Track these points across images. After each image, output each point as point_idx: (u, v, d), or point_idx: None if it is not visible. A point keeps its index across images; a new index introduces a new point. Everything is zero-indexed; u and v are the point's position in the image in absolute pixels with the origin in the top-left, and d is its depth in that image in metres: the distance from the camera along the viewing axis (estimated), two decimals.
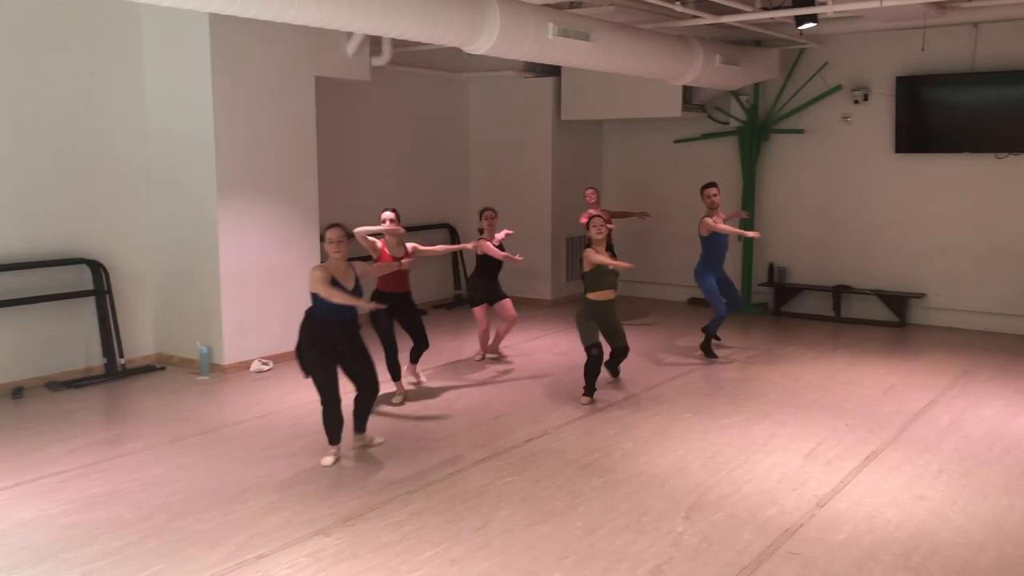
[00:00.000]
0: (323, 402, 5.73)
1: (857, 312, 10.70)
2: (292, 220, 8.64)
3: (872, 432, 6.39)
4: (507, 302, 8.40)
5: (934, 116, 10.05)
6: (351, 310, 5.69)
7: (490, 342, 8.64)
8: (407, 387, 7.49)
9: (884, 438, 6.26)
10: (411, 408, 7.02)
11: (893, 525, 4.82)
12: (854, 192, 10.69)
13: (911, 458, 5.86)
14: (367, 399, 5.93)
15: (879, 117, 10.39)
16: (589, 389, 7.16)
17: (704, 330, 8.73)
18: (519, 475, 5.57)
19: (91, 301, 8.00)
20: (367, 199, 10.47)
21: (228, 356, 8.19)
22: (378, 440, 6.12)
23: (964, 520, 4.89)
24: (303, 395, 7.47)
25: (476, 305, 8.40)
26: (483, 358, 8.64)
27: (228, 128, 8.02)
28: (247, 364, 8.29)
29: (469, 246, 8.09)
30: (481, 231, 8.27)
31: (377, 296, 7.05)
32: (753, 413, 6.86)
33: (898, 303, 10.36)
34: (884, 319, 10.47)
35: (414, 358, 7.61)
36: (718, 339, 8.98)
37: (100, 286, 7.99)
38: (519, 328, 9.98)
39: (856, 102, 10.45)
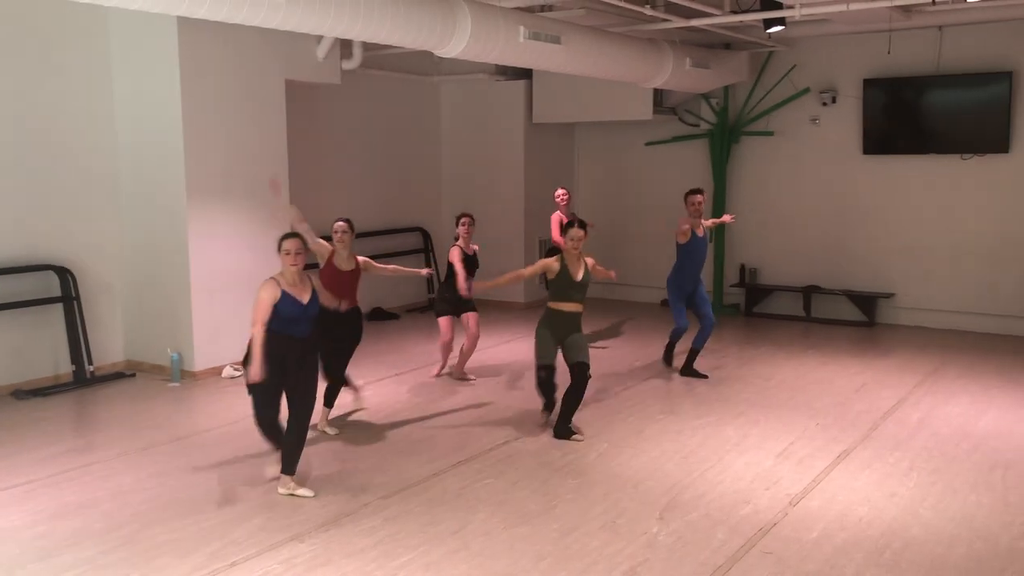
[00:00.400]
0: (255, 416, 5.37)
1: (827, 312, 10.81)
2: (262, 224, 8.57)
3: (843, 431, 6.46)
4: (473, 316, 7.81)
5: (901, 118, 10.19)
6: (308, 326, 5.24)
7: (455, 362, 8.08)
8: (328, 429, 6.51)
9: (855, 436, 6.33)
10: (386, 413, 6.99)
11: (865, 522, 4.87)
12: (823, 193, 10.81)
13: (882, 456, 5.93)
14: (299, 431, 5.24)
15: (847, 119, 10.51)
16: (548, 403, 6.56)
17: (668, 345, 8.27)
18: (495, 478, 5.57)
19: (59, 308, 7.89)
20: (339, 203, 10.40)
21: (199, 362, 8.11)
22: (304, 492, 5.27)
23: (934, 516, 4.95)
24: None
25: (440, 316, 7.85)
26: (439, 374, 8.10)
27: (198, 132, 7.95)
28: (219, 370, 8.22)
29: (423, 272, 7.37)
30: (456, 238, 7.79)
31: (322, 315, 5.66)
32: (726, 413, 6.90)
33: (867, 303, 10.48)
34: (854, 319, 10.58)
35: (328, 401, 6.52)
36: (668, 363, 8.30)
37: (68, 292, 7.88)
38: (494, 331, 9.99)
39: (824, 104, 10.57)
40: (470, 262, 7.74)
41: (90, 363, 7.98)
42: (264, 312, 5.10)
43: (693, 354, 8.04)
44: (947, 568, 4.34)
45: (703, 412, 6.95)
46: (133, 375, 8.23)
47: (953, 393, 7.46)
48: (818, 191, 10.83)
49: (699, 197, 7.89)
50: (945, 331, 10.03)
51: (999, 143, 9.63)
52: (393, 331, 10.24)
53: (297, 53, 8.75)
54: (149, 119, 8.07)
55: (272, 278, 5.22)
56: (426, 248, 11.73)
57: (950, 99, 9.89)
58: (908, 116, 10.14)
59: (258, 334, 5.06)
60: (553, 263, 6.35)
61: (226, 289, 8.27)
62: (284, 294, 5.14)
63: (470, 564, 4.40)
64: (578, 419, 6.78)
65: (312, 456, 5.98)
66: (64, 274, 7.86)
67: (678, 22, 8.69)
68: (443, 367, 8.19)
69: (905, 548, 4.55)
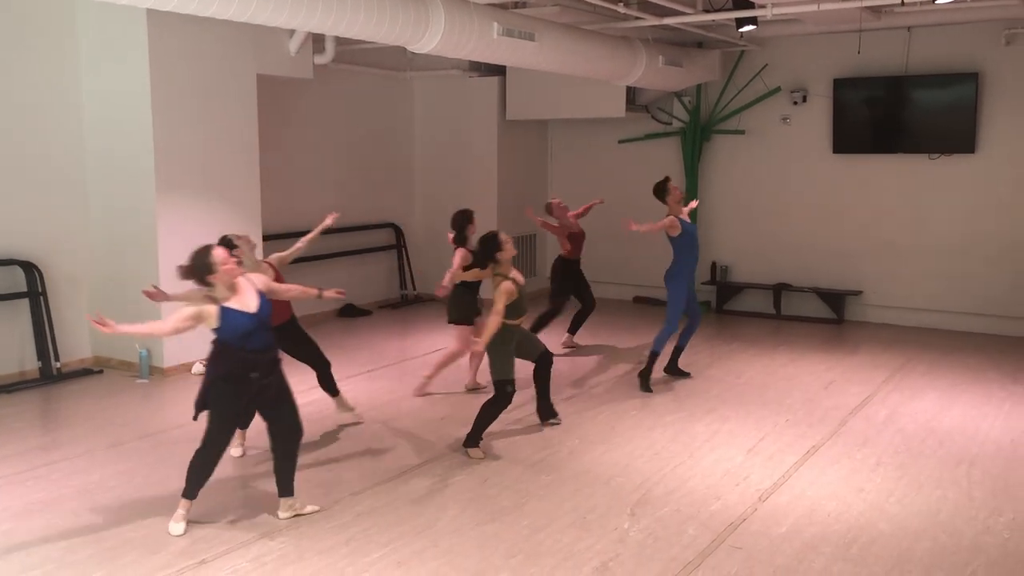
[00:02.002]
0: (207, 444, 4.72)
1: (797, 309, 10.91)
2: (234, 221, 8.49)
3: (812, 427, 6.53)
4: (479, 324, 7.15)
5: (870, 117, 10.30)
6: (267, 334, 4.78)
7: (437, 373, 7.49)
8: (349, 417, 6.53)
9: (824, 432, 6.40)
10: (357, 410, 6.95)
11: (833, 517, 4.92)
12: (794, 192, 10.90)
13: (850, 452, 6.00)
14: (290, 451, 4.89)
15: (817, 118, 10.60)
16: (475, 439, 5.93)
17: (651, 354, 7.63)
18: (466, 475, 5.57)
19: (25, 303, 7.78)
20: (310, 199, 10.36)
21: (168, 358, 8.03)
22: (310, 508, 4.97)
23: (900, 511, 5.01)
24: None
25: (457, 323, 7.22)
26: (476, 385, 7.45)
27: (167, 127, 7.87)
28: (188, 366, 8.14)
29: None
30: (465, 240, 7.22)
31: None
32: (697, 410, 6.95)
33: (836, 300, 10.59)
34: (823, 316, 10.68)
35: (330, 389, 6.52)
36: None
37: (34, 288, 7.77)
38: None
39: (795, 103, 10.66)
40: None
41: (57, 359, 7.88)
42: (178, 323, 4.62)
43: (678, 352, 7.90)
44: (913, 562, 4.40)
45: (674, 408, 6.99)
46: (101, 371, 8.13)
47: (919, 389, 7.56)
48: (788, 190, 10.92)
49: (674, 185, 7.53)
50: (912, 328, 10.16)
51: (966, 143, 9.76)
52: (364, 328, 10.20)
53: (269, 47, 8.68)
54: (118, 114, 7.98)
55: (206, 295, 4.69)
56: (399, 244, 11.69)
57: (918, 99, 10.01)
58: (877, 116, 10.25)
59: (136, 328, 4.71)
60: (510, 285, 5.89)
61: (195, 285, 8.18)
62: (226, 310, 4.62)
63: (440, 561, 4.40)
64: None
65: None
66: (30, 269, 7.75)
67: (651, 20, 8.72)
68: (475, 374, 7.50)
69: (872, 542, 4.61)
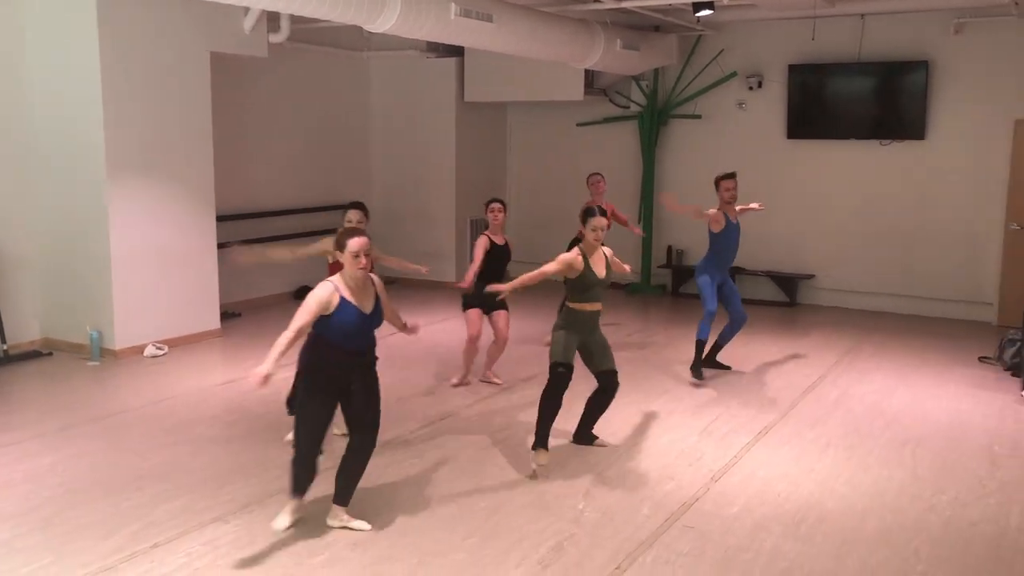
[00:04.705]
0: (299, 446, 4.47)
1: (750, 293, 11.04)
2: (187, 201, 8.38)
3: (764, 408, 6.64)
4: (503, 316, 6.96)
5: (823, 103, 10.44)
6: (370, 337, 4.51)
7: (482, 366, 7.26)
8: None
9: (775, 414, 6.51)
10: None
11: (783, 497, 5.02)
12: (748, 176, 10.93)
13: (800, 433, 6.11)
14: (361, 459, 4.56)
15: (772, 104, 10.72)
16: (542, 438, 5.35)
17: (698, 343, 7.34)
18: (422, 457, 5.57)
19: None
20: (266, 179, 10.24)
21: (120, 340, 7.91)
22: (359, 524, 4.56)
23: (849, 491, 5.13)
24: (200, 380, 7.31)
25: (469, 308, 6.91)
26: (463, 383, 7.09)
27: (118, 106, 7.71)
28: (140, 349, 8.03)
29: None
30: (486, 226, 6.96)
31: None
32: (652, 391, 7.02)
33: (788, 284, 10.75)
34: (776, 299, 10.84)
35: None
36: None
37: None
38: (424, 309, 9.96)
39: (751, 88, 10.76)
40: (501, 253, 6.91)
41: (3, 341, 7.72)
42: (308, 316, 4.30)
43: (717, 348, 7.65)
44: (859, 540, 4.50)
45: (630, 390, 7.04)
46: (50, 354, 7.98)
47: (868, 372, 7.72)
48: (743, 174, 10.92)
49: (731, 182, 7.35)
50: (862, 311, 10.36)
51: (916, 130, 9.94)
52: None
53: (222, 25, 8.53)
54: (67, 92, 7.79)
55: (329, 281, 4.40)
56: None
57: (870, 86, 10.16)
58: (830, 102, 10.39)
59: (286, 337, 4.22)
60: (576, 260, 5.35)
61: (148, 265, 8.07)
62: (343, 302, 4.35)
63: (396, 543, 4.41)
64: (507, 398, 6.83)
65: (236, 438, 5.92)
66: None
67: (609, 3, 8.73)
68: (466, 374, 7.14)
69: (821, 521, 4.71)
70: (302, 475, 4.49)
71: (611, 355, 5.62)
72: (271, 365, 4.14)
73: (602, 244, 5.49)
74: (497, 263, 6.88)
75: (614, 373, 5.60)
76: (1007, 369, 7.67)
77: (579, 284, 5.38)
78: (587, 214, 5.42)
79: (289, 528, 4.43)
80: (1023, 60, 9.41)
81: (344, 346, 4.39)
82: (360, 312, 4.38)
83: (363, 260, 4.32)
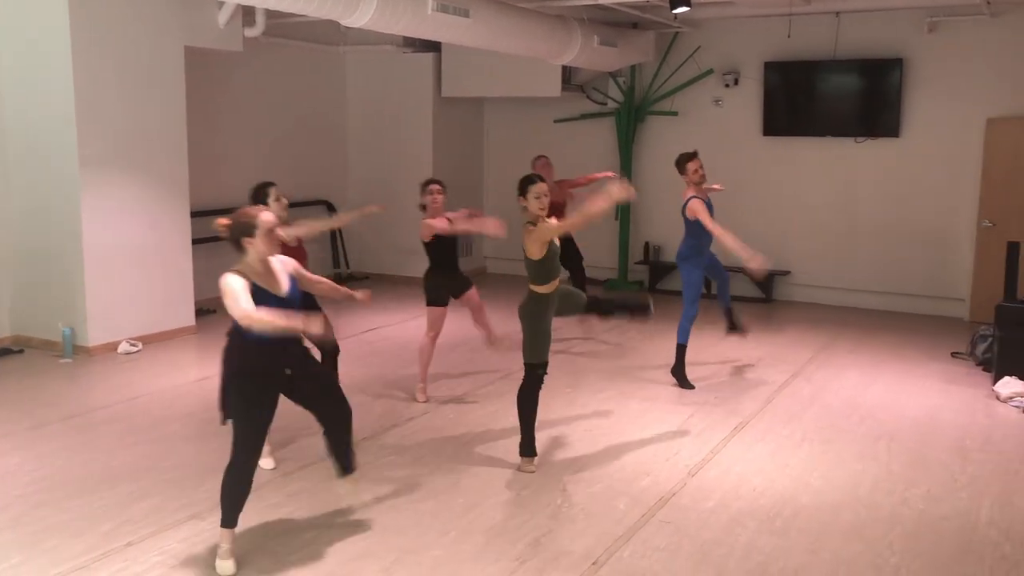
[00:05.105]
0: (236, 457, 4.04)
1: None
2: (161, 196, 8.31)
3: (740, 404, 6.67)
4: (473, 290, 6.72)
5: (799, 101, 10.50)
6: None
7: (482, 336, 7.04)
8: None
9: (751, 409, 6.55)
10: None
11: (759, 492, 5.05)
12: (724, 174, 10.99)
13: (775, 428, 6.15)
14: (343, 428, 4.38)
15: (748, 101, 10.76)
16: (529, 444, 5.27)
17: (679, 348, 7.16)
18: (399, 454, 5.56)
19: None
20: (240, 175, 10.13)
21: (93, 338, 7.82)
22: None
23: (823, 485, 5.17)
24: (174, 377, 7.25)
25: (436, 305, 6.52)
26: (425, 392, 6.69)
27: (91, 100, 7.62)
28: (114, 346, 7.95)
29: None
30: (423, 208, 6.60)
31: None
32: (628, 387, 7.04)
33: (764, 280, 10.80)
34: (751, 295, 10.90)
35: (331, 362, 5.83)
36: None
37: None
38: (396, 306, 9.94)
39: (727, 86, 10.80)
40: (449, 238, 6.55)
41: None
42: (245, 292, 3.85)
43: (729, 312, 7.71)
44: (834, 534, 4.54)
45: (606, 386, 7.08)
46: (21, 351, 7.88)
47: (844, 367, 7.78)
48: (720, 171, 11.01)
49: (697, 162, 7.14)
50: (837, 307, 10.44)
51: (891, 127, 10.02)
52: None
53: (197, 19, 8.45)
54: (38, 86, 7.69)
55: (232, 273, 3.93)
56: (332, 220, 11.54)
57: (845, 84, 10.24)
58: (806, 99, 10.45)
59: (258, 314, 3.81)
60: (547, 232, 4.99)
61: (122, 261, 7.99)
62: (257, 289, 3.95)
63: (373, 540, 4.39)
64: (484, 394, 6.83)
65: (211, 436, 5.86)
66: None
67: None
68: (425, 379, 6.73)
69: (795, 516, 4.74)
70: (237, 491, 4.05)
71: (578, 292, 5.66)
72: (287, 322, 3.82)
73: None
74: (449, 250, 6.58)
75: (594, 297, 5.73)
76: (979, 364, 7.76)
77: (547, 262, 5.07)
78: (526, 182, 5.07)
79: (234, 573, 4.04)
80: (995, 59, 9.52)
81: (268, 339, 3.94)
82: (275, 296, 4.00)
83: (277, 234, 4.05)
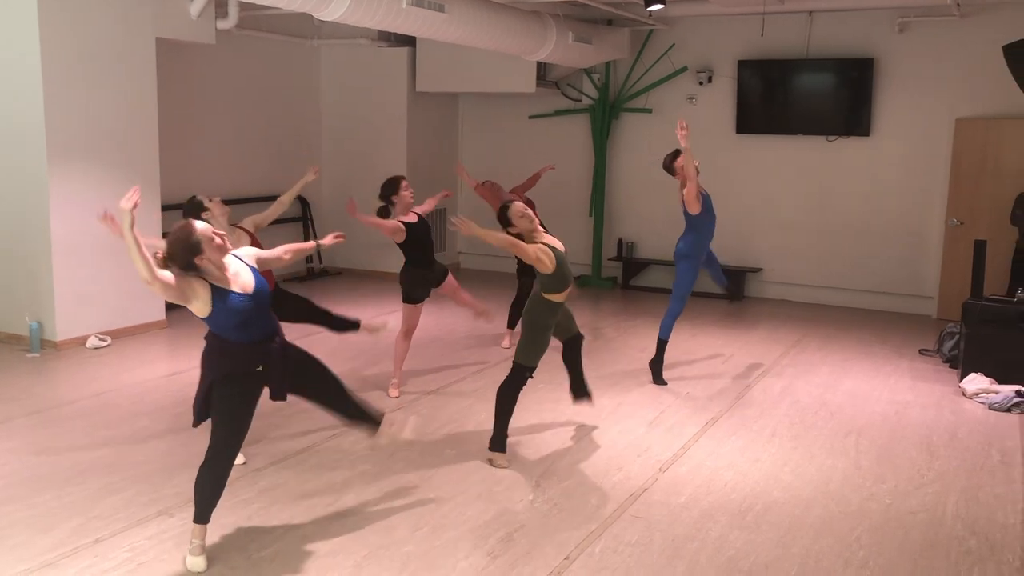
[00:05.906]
0: (215, 456, 4.00)
1: (699, 286, 11.01)
2: (131, 188, 8.19)
3: (711, 400, 6.72)
4: (451, 277, 6.83)
5: (771, 99, 10.58)
6: (269, 322, 4.07)
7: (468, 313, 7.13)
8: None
9: (722, 405, 6.60)
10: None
11: (730, 487, 5.09)
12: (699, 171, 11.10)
13: (747, 424, 6.20)
14: (342, 399, 4.44)
15: (722, 99, 10.83)
16: (501, 440, 5.38)
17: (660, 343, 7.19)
18: (372, 449, 5.54)
19: None
20: (212, 169, 10.07)
21: (61, 332, 7.73)
22: (412, 425, 4.97)
23: (793, 480, 5.22)
24: (144, 372, 7.18)
25: (414, 301, 6.53)
26: (399, 388, 6.69)
27: (59, 92, 7.51)
28: (83, 340, 7.85)
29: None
30: (388, 208, 6.48)
31: None
32: (601, 383, 7.06)
33: (737, 277, 10.87)
34: (723, 292, 10.96)
35: (349, 326, 6.19)
36: (661, 379, 7.11)
37: None
38: (372, 301, 9.91)
39: (701, 83, 10.85)
40: (420, 230, 6.50)
41: None
42: (165, 284, 3.77)
43: (727, 288, 8.24)
44: (803, 528, 4.59)
45: None
46: None
47: (814, 364, 7.86)
48: None
49: (682, 158, 7.17)
50: (808, 305, 10.54)
51: (862, 126, 10.12)
52: None
53: (169, 10, 8.36)
54: (6, 76, 7.56)
55: (192, 278, 3.85)
56: (305, 217, 11.48)
57: (817, 83, 10.33)
58: (778, 98, 10.53)
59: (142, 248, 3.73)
60: (545, 254, 5.15)
61: (91, 254, 7.89)
62: (219, 291, 3.87)
63: (345, 536, 4.38)
64: (457, 389, 6.82)
65: (181, 431, 5.82)
66: None
67: None
68: (398, 375, 6.73)
69: (766, 510, 4.79)
70: (212, 488, 4.02)
71: (574, 320, 5.84)
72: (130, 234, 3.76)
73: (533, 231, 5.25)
74: (425, 245, 6.55)
75: (581, 337, 5.90)
76: (945, 361, 7.87)
77: (557, 273, 5.22)
78: (503, 213, 5.24)
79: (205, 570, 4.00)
80: (964, 59, 9.64)
81: (245, 339, 3.94)
82: (243, 294, 3.90)
83: (220, 239, 3.87)
